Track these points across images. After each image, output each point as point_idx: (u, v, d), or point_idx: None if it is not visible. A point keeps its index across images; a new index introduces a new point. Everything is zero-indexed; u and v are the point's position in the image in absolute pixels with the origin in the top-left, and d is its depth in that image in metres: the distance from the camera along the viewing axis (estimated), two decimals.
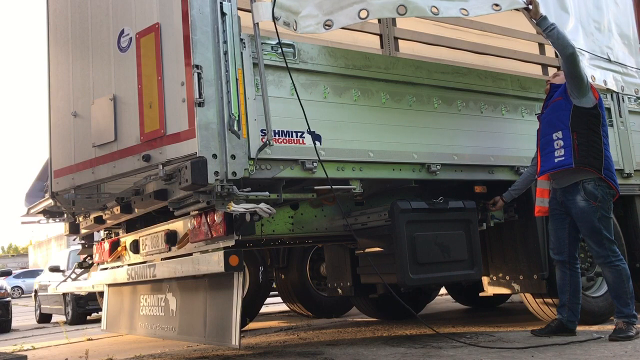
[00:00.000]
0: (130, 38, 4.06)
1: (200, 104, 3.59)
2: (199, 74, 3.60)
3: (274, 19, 3.78)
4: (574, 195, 4.45)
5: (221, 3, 3.75)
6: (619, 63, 5.78)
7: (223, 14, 3.75)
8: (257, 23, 3.80)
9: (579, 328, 4.61)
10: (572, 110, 4.44)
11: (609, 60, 5.68)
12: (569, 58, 4.39)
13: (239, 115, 3.72)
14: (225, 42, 3.73)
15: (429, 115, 4.67)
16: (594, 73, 5.25)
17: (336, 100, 4.21)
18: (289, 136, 3.93)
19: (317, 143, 4.03)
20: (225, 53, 3.71)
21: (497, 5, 4.29)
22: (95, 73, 4.38)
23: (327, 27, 3.97)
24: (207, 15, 3.71)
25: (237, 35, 3.80)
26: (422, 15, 4.13)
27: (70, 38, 4.67)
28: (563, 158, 4.40)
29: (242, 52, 3.81)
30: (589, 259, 5.37)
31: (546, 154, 4.53)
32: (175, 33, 3.76)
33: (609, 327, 4.50)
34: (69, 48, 4.69)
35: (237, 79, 3.76)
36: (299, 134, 3.98)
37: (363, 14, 3.91)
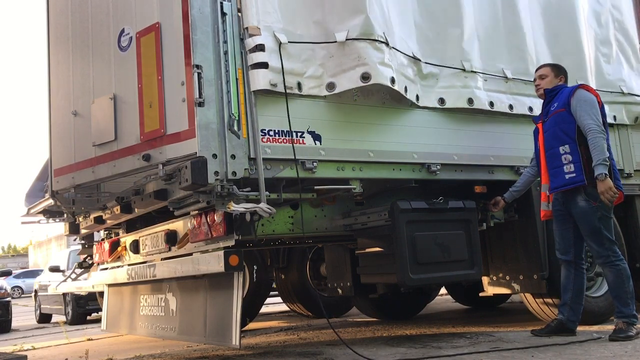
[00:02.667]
0: (131, 37, 4.06)
1: (200, 104, 3.59)
2: (199, 73, 3.60)
3: (271, 85, 3.82)
4: (575, 195, 4.44)
5: (221, 3, 3.75)
6: (633, 94, 5.80)
7: (223, 14, 3.75)
8: (254, 91, 3.81)
9: (579, 328, 4.61)
10: (577, 123, 4.43)
11: (622, 93, 5.71)
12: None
13: (239, 115, 3.73)
14: (225, 41, 3.73)
15: (429, 115, 4.66)
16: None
17: (336, 100, 4.20)
18: (289, 136, 3.93)
19: (317, 142, 4.04)
20: (226, 53, 3.72)
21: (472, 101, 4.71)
22: (96, 72, 4.38)
23: (329, 89, 4.07)
24: (208, 15, 3.71)
25: (237, 35, 3.81)
26: (410, 98, 4.39)
27: (70, 37, 4.67)
28: (574, 175, 4.38)
29: (242, 52, 3.82)
30: (590, 259, 5.36)
31: (554, 168, 4.50)
32: (175, 33, 3.76)
33: (609, 327, 4.50)
34: (69, 47, 4.68)
35: (237, 79, 3.77)
36: (299, 134, 3.98)
37: (365, 79, 3.99)
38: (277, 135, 3.88)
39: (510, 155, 5.05)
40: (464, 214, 4.65)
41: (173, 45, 3.77)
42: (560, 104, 4.53)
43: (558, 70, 4.77)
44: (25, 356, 5.50)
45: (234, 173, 3.65)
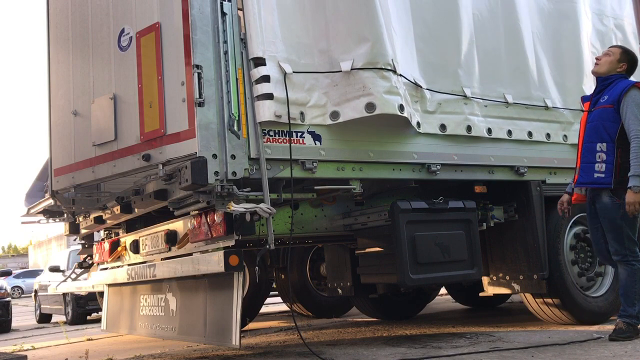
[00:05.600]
0: (131, 37, 4.06)
1: (201, 104, 3.59)
2: (199, 73, 3.60)
3: (276, 117, 3.79)
4: (601, 191, 4.36)
5: (221, 3, 3.75)
6: None
7: (223, 14, 3.75)
8: (259, 122, 3.79)
9: (579, 328, 4.60)
10: (622, 126, 4.27)
11: None
12: None
13: (239, 115, 3.73)
14: (225, 41, 3.73)
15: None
16: None
17: None
18: (289, 136, 3.93)
19: (317, 142, 4.04)
20: (226, 53, 3.71)
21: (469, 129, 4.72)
22: (96, 72, 4.38)
23: (333, 118, 4.04)
24: (208, 14, 3.71)
25: (237, 34, 3.81)
26: (414, 124, 4.37)
27: (70, 37, 4.67)
28: (603, 176, 4.28)
29: (242, 52, 3.82)
30: (589, 259, 5.37)
31: (586, 163, 4.38)
32: (175, 32, 3.76)
33: (609, 327, 4.50)
34: (69, 47, 4.69)
35: (237, 79, 3.77)
36: (299, 134, 3.98)
37: (370, 108, 3.96)
38: (277, 135, 3.87)
39: (510, 155, 5.04)
40: (464, 214, 4.65)
41: (173, 45, 3.77)
42: (610, 99, 4.34)
43: (626, 55, 4.51)
44: (25, 356, 5.51)
45: (234, 173, 3.65)
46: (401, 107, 4.08)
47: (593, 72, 4.61)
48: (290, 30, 3.97)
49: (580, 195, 4.60)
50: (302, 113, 3.95)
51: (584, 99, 4.69)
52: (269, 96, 3.77)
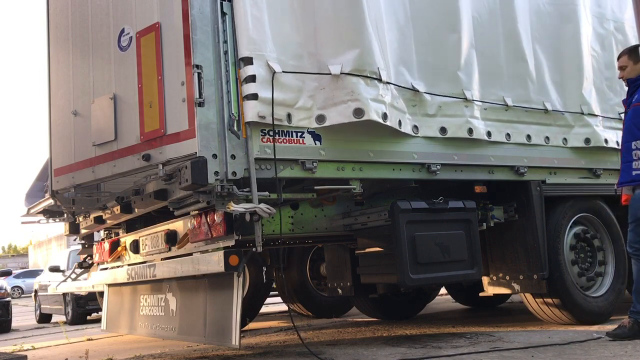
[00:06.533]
0: (131, 37, 4.06)
1: (201, 104, 3.59)
2: (199, 73, 3.60)
3: (260, 117, 3.75)
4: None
5: (221, 3, 3.75)
6: None
7: (223, 14, 3.76)
8: (247, 123, 3.75)
9: (579, 328, 4.60)
10: None
11: (620, 120, 5.71)
12: None
13: (238, 115, 3.73)
14: (225, 41, 3.73)
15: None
16: (607, 136, 5.39)
17: None
18: (289, 136, 3.93)
19: (317, 142, 4.03)
20: (226, 52, 3.72)
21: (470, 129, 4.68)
22: (96, 72, 4.39)
23: (319, 122, 4.01)
24: (208, 14, 3.71)
25: None
26: (405, 131, 4.37)
27: (70, 37, 4.68)
28: None
29: None
30: (589, 259, 5.37)
31: (625, 162, 4.46)
32: (175, 32, 3.76)
33: (609, 327, 4.50)
34: (69, 47, 4.69)
35: (237, 79, 3.77)
36: (299, 134, 3.98)
37: (358, 114, 3.94)
38: (276, 135, 3.87)
39: (510, 155, 5.04)
40: (464, 214, 4.65)
41: (173, 45, 3.78)
42: (639, 97, 4.46)
43: (637, 55, 4.60)
44: (25, 356, 5.51)
45: (234, 173, 3.66)
46: (384, 116, 4.07)
47: (624, 80, 4.67)
48: (281, 30, 3.96)
49: (627, 195, 4.62)
50: (289, 115, 3.92)
51: (623, 101, 4.76)
52: (255, 96, 3.76)
